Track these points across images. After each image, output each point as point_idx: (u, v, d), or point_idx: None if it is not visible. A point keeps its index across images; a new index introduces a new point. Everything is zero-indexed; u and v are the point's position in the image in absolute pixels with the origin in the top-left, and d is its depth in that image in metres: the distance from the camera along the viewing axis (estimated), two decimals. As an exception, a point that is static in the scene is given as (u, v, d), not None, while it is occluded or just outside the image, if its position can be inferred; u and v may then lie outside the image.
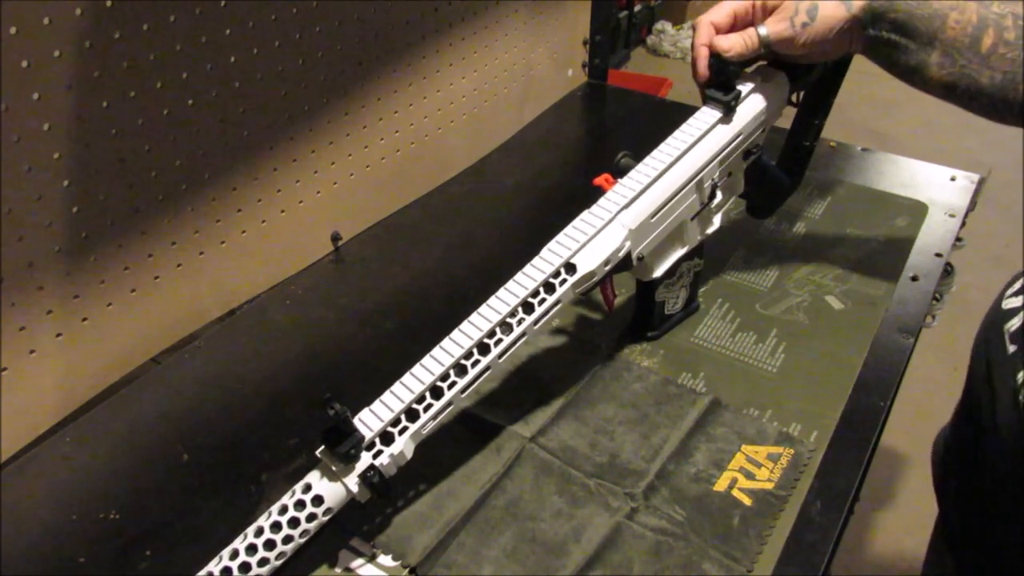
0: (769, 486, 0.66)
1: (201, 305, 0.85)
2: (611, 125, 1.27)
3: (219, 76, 0.75)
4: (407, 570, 0.61)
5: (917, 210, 0.99)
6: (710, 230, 0.78)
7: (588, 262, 0.64)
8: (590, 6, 1.27)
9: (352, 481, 0.56)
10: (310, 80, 0.85)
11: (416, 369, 0.58)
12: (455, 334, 0.59)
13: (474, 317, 0.60)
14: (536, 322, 0.61)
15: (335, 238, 0.97)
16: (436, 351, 0.59)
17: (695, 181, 0.71)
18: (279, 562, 0.55)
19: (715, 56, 0.70)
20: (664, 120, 0.75)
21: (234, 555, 0.54)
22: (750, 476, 0.67)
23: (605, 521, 0.63)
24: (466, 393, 0.60)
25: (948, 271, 0.93)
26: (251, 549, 0.54)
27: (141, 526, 0.65)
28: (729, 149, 0.73)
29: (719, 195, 0.75)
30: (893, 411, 0.80)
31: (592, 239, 0.65)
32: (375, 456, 0.57)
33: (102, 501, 0.67)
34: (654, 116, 1.26)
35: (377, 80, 0.94)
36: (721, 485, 0.66)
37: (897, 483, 1.65)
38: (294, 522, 0.55)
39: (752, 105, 0.73)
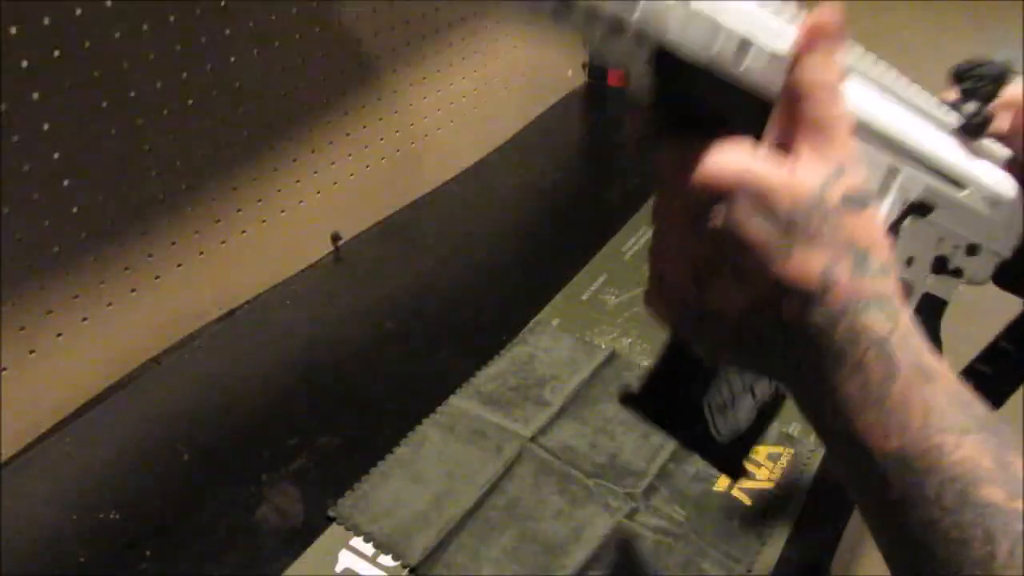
0: (769, 486, 0.66)
1: (201, 305, 0.85)
2: (611, 125, 1.27)
3: (219, 76, 0.75)
4: (407, 570, 0.61)
5: (917, 210, 0.99)
6: None
7: None
8: (590, 6, 1.26)
9: None
10: (310, 80, 0.85)
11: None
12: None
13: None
14: None
15: (335, 238, 0.97)
16: None
17: None
18: None
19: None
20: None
21: None
22: (750, 476, 0.67)
23: (605, 521, 0.63)
24: None
25: (948, 271, 0.93)
26: None
27: (141, 526, 0.65)
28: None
29: None
30: (893, 411, 0.80)
31: None
32: None
33: (102, 501, 0.67)
34: (654, 116, 1.26)
35: (377, 80, 0.94)
36: (721, 485, 0.66)
37: (897, 483, 1.65)
38: None
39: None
